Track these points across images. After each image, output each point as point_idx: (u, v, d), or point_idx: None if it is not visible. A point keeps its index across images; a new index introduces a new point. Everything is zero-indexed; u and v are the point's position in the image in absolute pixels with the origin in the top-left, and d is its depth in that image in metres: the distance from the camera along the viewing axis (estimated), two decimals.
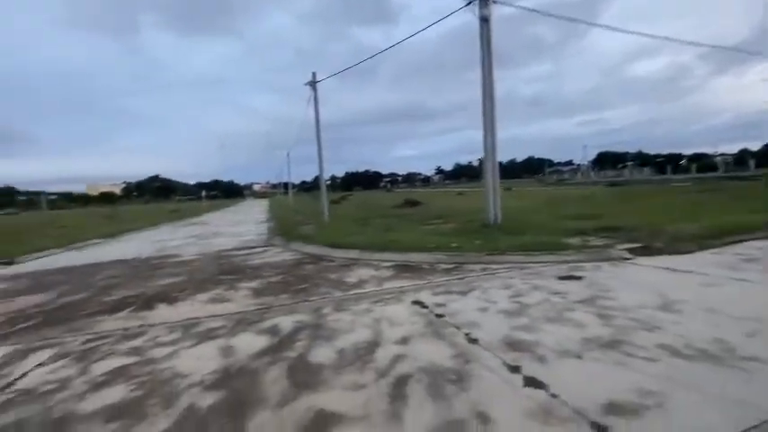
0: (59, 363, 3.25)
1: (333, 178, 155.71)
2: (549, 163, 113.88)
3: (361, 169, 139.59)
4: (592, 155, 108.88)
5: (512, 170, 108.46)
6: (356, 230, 10.88)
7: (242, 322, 4.02)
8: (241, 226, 18.09)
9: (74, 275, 7.46)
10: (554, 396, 2.25)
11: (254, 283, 5.83)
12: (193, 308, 4.75)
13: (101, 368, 3.07)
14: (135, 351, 3.40)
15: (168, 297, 5.29)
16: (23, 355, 3.50)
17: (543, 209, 14.58)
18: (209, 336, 3.67)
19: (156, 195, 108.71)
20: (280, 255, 8.49)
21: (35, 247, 11.65)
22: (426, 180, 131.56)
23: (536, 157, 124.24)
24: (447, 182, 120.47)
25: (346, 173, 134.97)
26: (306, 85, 14.94)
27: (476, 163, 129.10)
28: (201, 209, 41.17)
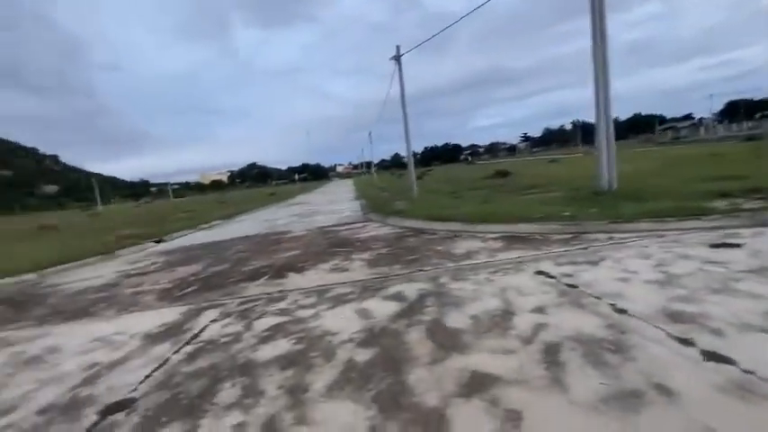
0: (227, 320, 3.83)
1: (412, 154, 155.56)
2: (661, 119, 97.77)
3: (440, 143, 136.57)
4: (718, 106, 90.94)
5: (614, 131, 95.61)
6: (450, 203, 10.75)
7: (367, 289, 4.27)
8: (334, 204, 19.16)
9: (212, 250, 8.69)
10: (749, 372, 1.97)
11: (365, 255, 6.14)
12: (318, 276, 5.19)
13: (261, 325, 3.55)
14: (283, 312, 3.85)
15: (294, 267, 5.86)
16: (197, 312, 4.20)
17: (664, 171, 12.70)
18: (342, 300, 3.98)
19: (256, 180, 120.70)
20: (380, 229, 8.80)
21: (174, 228, 13.84)
22: (512, 149, 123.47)
23: (643, 113, 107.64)
24: (535, 150, 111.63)
25: (425, 148, 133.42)
26: (391, 59, 14.86)
27: (568, 126, 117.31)
28: (295, 191, 44.57)
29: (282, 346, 3.02)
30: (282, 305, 4.08)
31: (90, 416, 2.37)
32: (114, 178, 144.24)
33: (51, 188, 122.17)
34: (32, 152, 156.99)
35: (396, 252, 6.11)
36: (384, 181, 42.98)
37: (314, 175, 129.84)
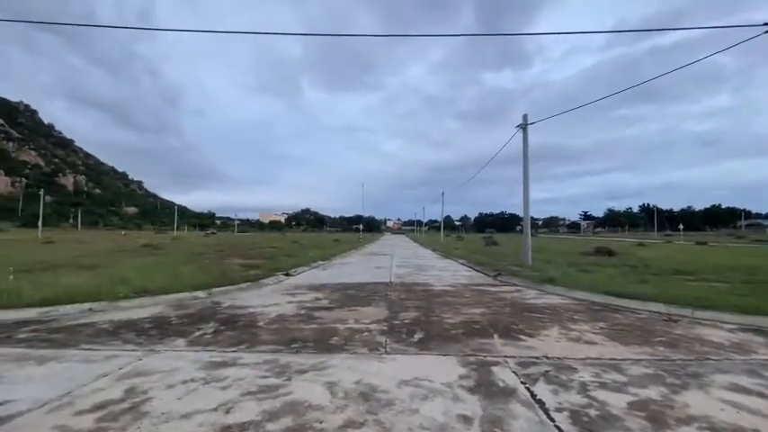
0: (545, 385, 3.39)
1: (464, 219, 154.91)
2: (746, 213, 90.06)
3: (487, 211, 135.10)
4: None
5: (689, 221, 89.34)
6: (603, 279, 9.93)
7: (676, 374, 3.68)
8: (425, 260, 18.78)
9: (362, 292, 8.46)
10: None
11: (582, 327, 5.56)
12: (561, 344, 4.67)
13: (616, 402, 3.07)
14: (608, 386, 3.36)
15: (510, 329, 5.38)
16: (480, 366, 3.81)
17: None
18: (665, 382, 3.43)
19: (311, 225, 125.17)
20: (544, 297, 8.19)
21: (288, 264, 13.99)
22: (573, 226, 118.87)
23: (723, 206, 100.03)
24: (598, 230, 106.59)
25: (480, 213, 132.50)
26: (516, 127, 15.14)
27: (636, 209, 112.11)
28: (358, 241, 45.02)
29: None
30: (588, 377, 3.59)
31: None
32: (184, 207, 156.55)
33: (132, 209, 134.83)
34: (122, 176, 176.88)
35: (625, 329, 5.46)
36: (451, 241, 42.33)
37: (367, 226, 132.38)
